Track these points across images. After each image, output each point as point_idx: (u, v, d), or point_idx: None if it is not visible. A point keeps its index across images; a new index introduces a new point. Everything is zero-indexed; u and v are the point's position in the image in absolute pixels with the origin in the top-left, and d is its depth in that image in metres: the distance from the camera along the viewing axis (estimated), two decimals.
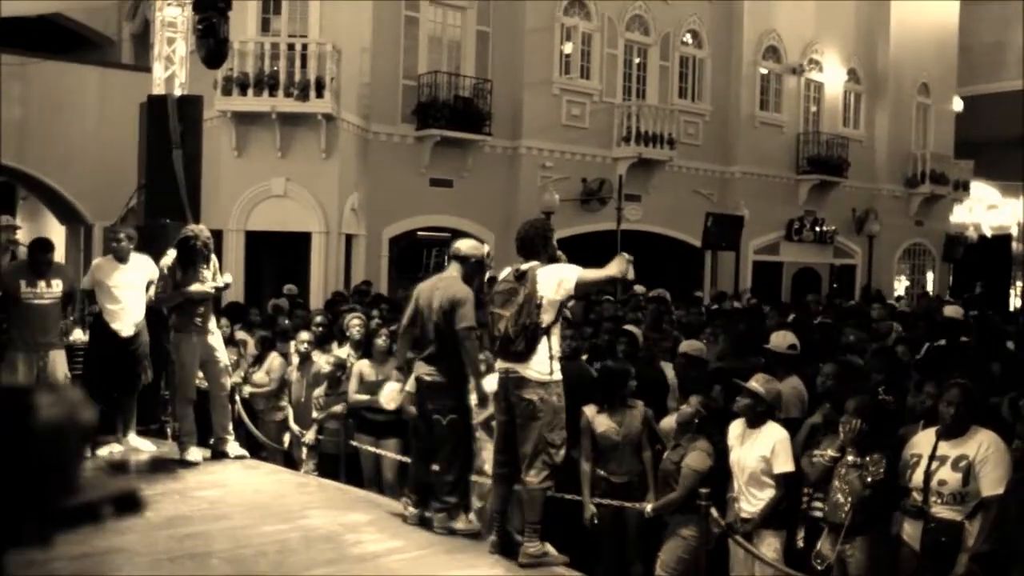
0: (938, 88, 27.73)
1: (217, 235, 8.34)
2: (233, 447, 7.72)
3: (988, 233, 29.96)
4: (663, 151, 21.13)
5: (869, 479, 4.91)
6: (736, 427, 5.62)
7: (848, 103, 25.92)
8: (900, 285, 27.07)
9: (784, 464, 5.35)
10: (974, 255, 28.59)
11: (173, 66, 9.81)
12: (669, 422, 6.10)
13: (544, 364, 5.13)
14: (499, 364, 5.35)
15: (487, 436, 6.23)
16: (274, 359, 8.95)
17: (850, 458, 5.06)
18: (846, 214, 25.50)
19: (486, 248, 6.15)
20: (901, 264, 27.80)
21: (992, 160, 28.72)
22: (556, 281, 5.12)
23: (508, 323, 5.17)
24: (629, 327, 8.22)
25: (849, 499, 4.96)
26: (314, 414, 8.16)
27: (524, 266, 5.28)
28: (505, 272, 5.43)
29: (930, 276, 28.49)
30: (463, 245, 6.04)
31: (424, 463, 5.95)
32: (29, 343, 7.52)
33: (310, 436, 8.10)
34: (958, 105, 28.60)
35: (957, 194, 28.33)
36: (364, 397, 7.75)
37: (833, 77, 25.25)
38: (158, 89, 9.65)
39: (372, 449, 7.75)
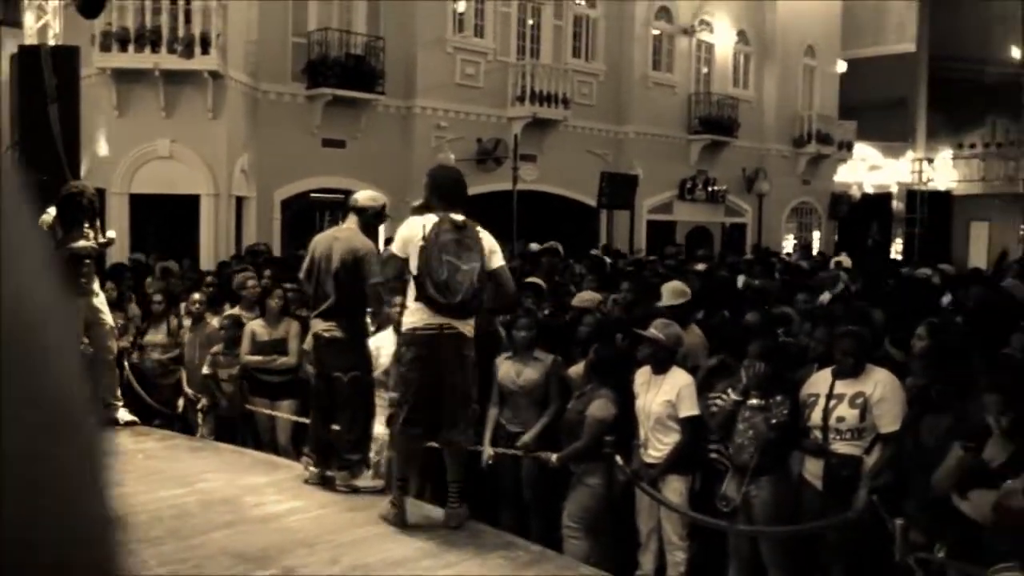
0: (823, 51, 28.37)
1: (100, 197, 7.92)
2: (122, 413, 7.40)
3: (870, 191, 30.99)
4: (557, 111, 21.09)
5: (774, 420, 4.98)
6: (642, 375, 5.63)
7: (738, 64, 26.32)
8: (788, 242, 27.77)
9: (689, 408, 5.38)
10: (858, 213, 29.55)
11: (46, 16, 9.29)
12: (576, 370, 6.09)
13: (473, 321, 5.03)
14: (434, 319, 4.84)
15: (382, 391, 6.09)
16: (172, 320, 8.63)
17: (754, 401, 5.11)
18: (736, 173, 25.98)
19: (381, 201, 5.94)
20: (789, 222, 28.53)
21: (874, 122, 29.64)
22: (491, 253, 4.93)
23: (470, 278, 4.79)
24: (533, 279, 8.17)
25: (754, 441, 5.02)
26: (204, 369, 7.87)
27: (458, 217, 4.87)
28: (430, 219, 4.84)
29: (816, 234, 29.32)
30: (361, 196, 5.85)
31: (324, 422, 5.79)
32: None
33: (204, 400, 7.84)
34: (842, 67, 29.36)
35: (841, 154, 29.17)
36: (257, 358, 7.53)
37: (723, 39, 25.59)
38: (30, 40, 9.12)
39: (268, 411, 7.54)
